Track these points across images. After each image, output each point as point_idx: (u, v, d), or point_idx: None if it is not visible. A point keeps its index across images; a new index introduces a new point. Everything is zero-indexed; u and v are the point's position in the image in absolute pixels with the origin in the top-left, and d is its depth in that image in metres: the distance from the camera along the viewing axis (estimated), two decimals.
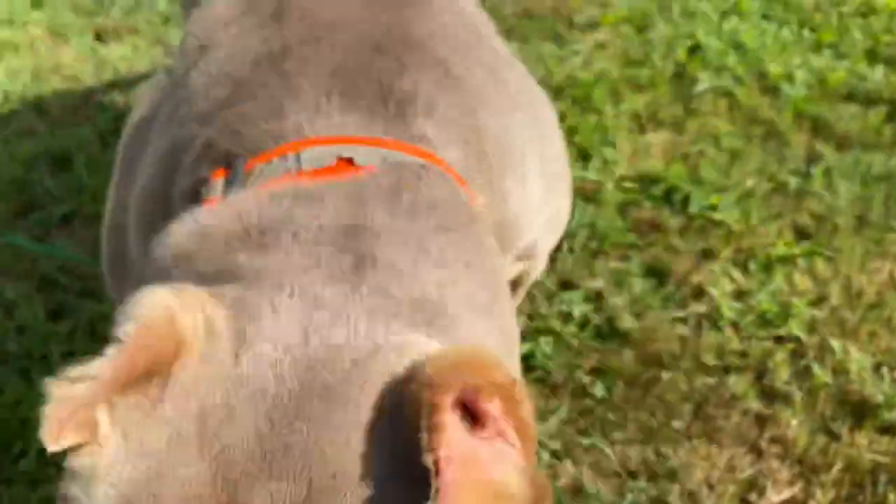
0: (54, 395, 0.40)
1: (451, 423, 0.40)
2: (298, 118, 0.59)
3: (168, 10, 2.08)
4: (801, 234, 1.41)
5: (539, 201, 0.81)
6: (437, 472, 0.39)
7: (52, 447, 0.40)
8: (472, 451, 0.40)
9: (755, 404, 1.14)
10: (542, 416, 1.14)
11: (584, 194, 1.49)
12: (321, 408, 0.41)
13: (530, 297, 1.30)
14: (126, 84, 1.83)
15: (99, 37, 2.01)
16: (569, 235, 1.41)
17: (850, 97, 1.71)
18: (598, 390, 1.17)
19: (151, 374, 0.43)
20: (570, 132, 1.65)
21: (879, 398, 1.13)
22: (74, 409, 0.41)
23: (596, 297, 1.31)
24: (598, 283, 1.32)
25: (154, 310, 0.43)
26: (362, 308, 0.46)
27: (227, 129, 0.61)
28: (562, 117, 1.67)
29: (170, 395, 0.42)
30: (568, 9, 2.07)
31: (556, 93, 1.77)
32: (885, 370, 1.17)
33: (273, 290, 0.46)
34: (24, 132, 1.69)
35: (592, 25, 2.00)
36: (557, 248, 1.40)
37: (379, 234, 0.51)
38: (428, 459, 0.39)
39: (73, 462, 0.42)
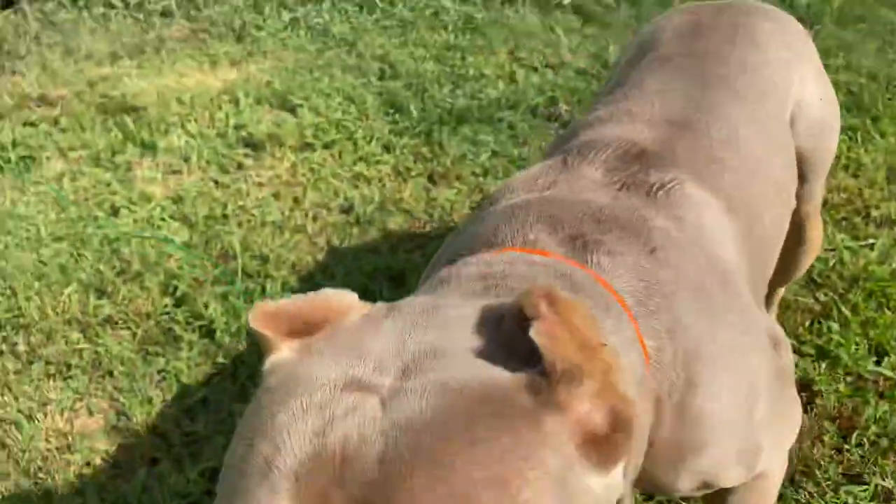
0: (267, 301, 0.65)
1: (545, 302, 0.57)
2: (507, 237, 0.84)
3: (488, 164, 2.46)
4: None
5: (731, 433, 0.84)
6: (538, 317, 0.56)
7: (251, 323, 0.63)
8: (562, 317, 0.56)
9: None
10: None
11: (877, 389, 1.49)
12: (435, 337, 0.59)
13: (814, 479, 1.32)
14: (450, 222, 2.19)
15: (431, 179, 2.42)
16: (858, 428, 1.42)
17: None
18: None
19: (320, 324, 0.63)
20: (863, 325, 1.67)
21: None
22: (269, 313, 0.63)
23: (885, 497, 1.29)
24: (887, 483, 1.31)
25: (339, 293, 0.66)
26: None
27: (470, 238, 0.88)
28: (854, 309, 1.71)
29: (324, 336, 0.62)
30: (864, 202, 2.11)
31: (850, 283, 1.81)
32: None
33: (425, 297, 0.70)
34: (370, 250, 2.08)
35: (891, 221, 2.01)
36: (844, 437, 1.41)
37: (507, 276, 0.72)
38: (530, 312, 0.56)
39: (266, 361, 0.63)
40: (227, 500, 0.53)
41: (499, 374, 0.55)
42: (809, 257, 1.57)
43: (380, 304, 0.67)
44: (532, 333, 0.55)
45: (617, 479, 0.57)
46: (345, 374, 0.56)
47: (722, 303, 0.86)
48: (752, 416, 0.87)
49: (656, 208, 0.88)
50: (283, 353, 0.62)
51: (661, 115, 1.05)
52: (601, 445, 0.55)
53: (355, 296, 0.67)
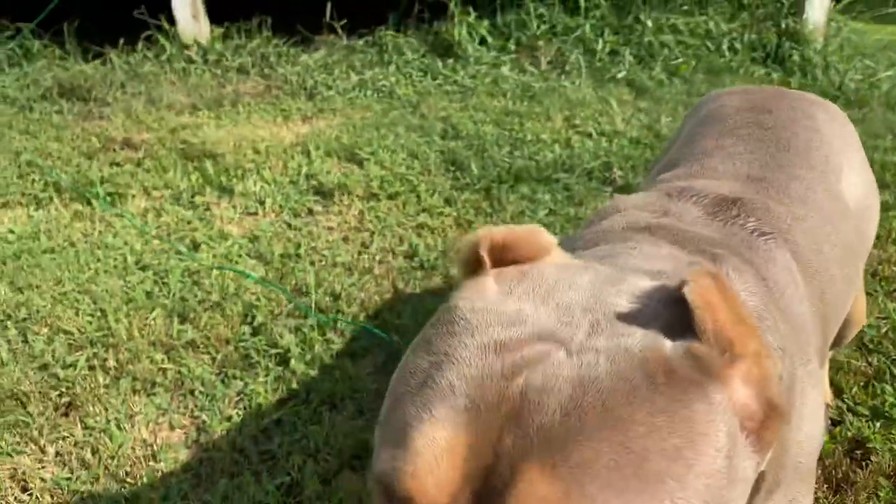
0: (495, 229, 0.67)
1: (709, 277, 0.59)
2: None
3: (545, 220, 2.58)
4: None
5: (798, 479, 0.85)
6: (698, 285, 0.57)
7: (481, 250, 0.65)
8: (723, 293, 0.57)
9: None
10: None
11: None
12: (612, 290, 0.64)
13: None
14: None
15: None
16: None
17: None
18: None
19: (520, 259, 0.66)
20: None
21: None
22: (496, 244, 0.66)
23: None
24: None
25: (544, 232, 0.69)
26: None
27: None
28: None
29: (525, 275, 0.64)
30: None
31: None
32: None
33: (611, 269, 0.75)
34: (433, 293, 2.19)
35: None
36: None
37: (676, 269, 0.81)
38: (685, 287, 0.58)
39: (466, 282, 0.66)
40: (406, 404, 0.56)
41: (667, 344, 0.56)
42: (854, 329, 1.62)
43: (575, 260, 0.71)
44: (686, 292, 0.56)
45: (760, 468, 0.58)
46: (539, 322, 0.59)
47: (809, 349, 0.93)
48: (812, 467, 0.90)
49: (757, 251, 0.97)
50: (486, 280, 0.64)
51: (743, 172, 1.15)
52: (755, 429, 0.56)
53: (554, 239, 0.70)
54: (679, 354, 0.55)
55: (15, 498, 1.55)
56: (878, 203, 1.43)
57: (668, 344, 0.56)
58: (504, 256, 0.67)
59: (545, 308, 0.60)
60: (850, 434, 1.62)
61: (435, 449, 0.53)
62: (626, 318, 0.59)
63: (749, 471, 0.56)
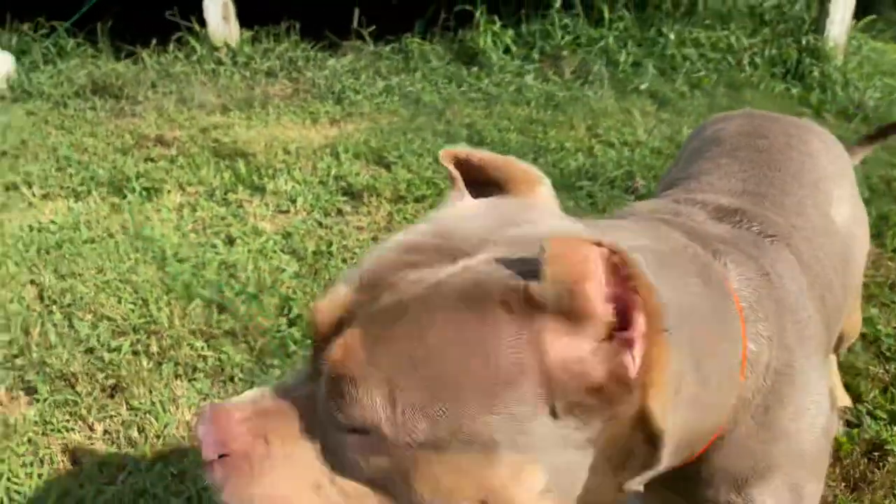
0: (453, 149, 0.81)
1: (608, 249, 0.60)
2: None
3: None
4: None
5: (799, 463, 0.90)
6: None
7: (441, 160, 0.79)
8: (612, 261, 0.60)
9: None
10: None
11: None
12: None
13: None
14: None
15: None
16: None
17: None
18: None
19: (502, 184, 0.78)
20: None
21: None
22: (457, 156, 0.79)
23: None
24: None
25: (525, 164, 0.79)
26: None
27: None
28: None
29: (496, 199, 0.75)
30: None
31: None
32: None
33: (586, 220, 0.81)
34: None
35: None
36: None
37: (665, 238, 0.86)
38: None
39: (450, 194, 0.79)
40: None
41: (519, 281, 0.62)
42: (849, 340, 1.68)
43: (561, 211, 0.80)
44: (544, 240, 0.60)
45: (577, 435, 0.63)
46: (460, 240, 0.69)
47: (812, 342, 0.97)
48: (818, 455, 0.94)
49: (765, 251, 1.01)
50: (460, 196, 0.78)
51: (739, 188, 1.20)
52: (581, 393, 0.60)
53: (541, 175, 0.79)
54: (518, 290, 0.62)
55: (66, 471, 1.63)
56: (867, 234, 1.43)
57: (520, 281, 0.62)
58: (472, 174, 0.80)
59: (478, 233, 0.70)
60: (868, 436, 1.68)
61: (332, 297, 0.70)
62: (526, 254, 0.65)
63: (538, 425, 0.62)
